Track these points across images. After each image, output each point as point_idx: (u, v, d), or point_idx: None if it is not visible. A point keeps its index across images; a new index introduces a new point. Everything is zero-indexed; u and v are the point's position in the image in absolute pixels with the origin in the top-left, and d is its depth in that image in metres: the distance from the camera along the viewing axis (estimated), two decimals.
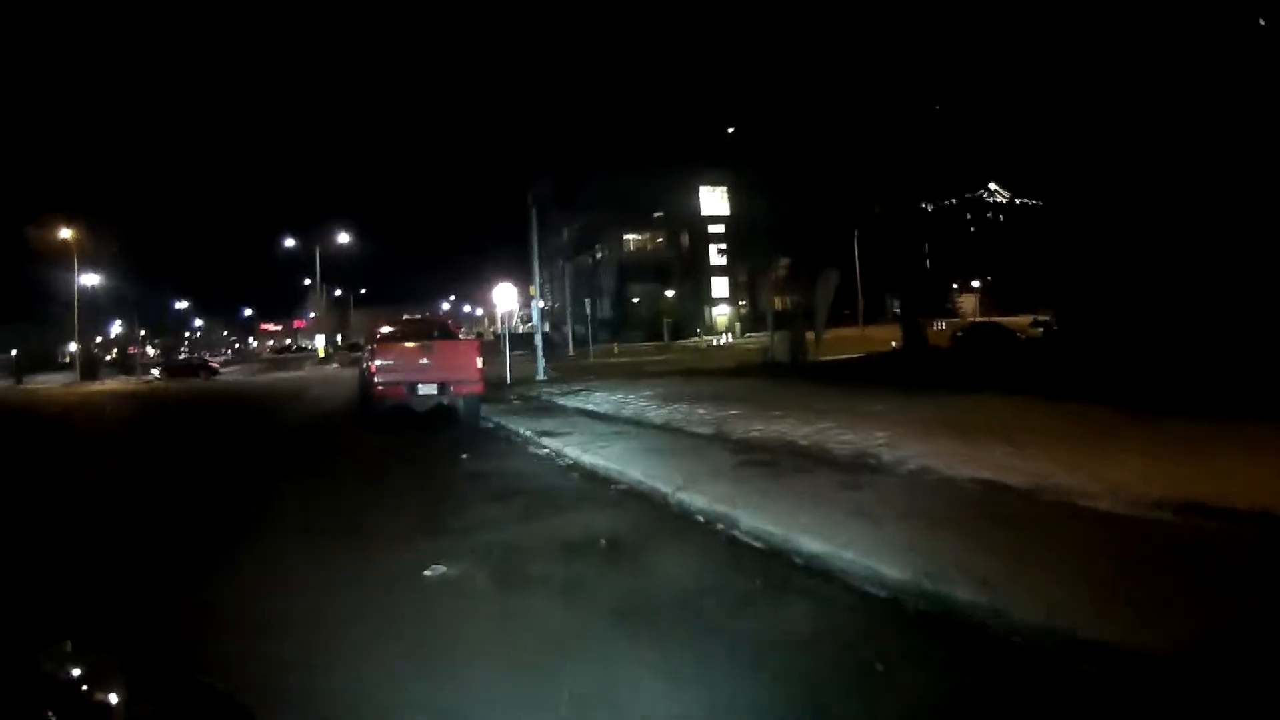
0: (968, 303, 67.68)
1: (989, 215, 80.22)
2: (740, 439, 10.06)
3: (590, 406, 15.42)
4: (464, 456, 10.39)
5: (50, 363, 50.29)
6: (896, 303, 72.90)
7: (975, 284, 74.93)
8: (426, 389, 13.98)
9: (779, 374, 20.62)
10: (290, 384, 34.21)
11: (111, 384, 42.72)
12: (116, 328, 68.18)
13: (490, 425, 14.16)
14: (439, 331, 16.47)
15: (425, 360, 14.05)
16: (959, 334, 32.00)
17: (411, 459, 10.58)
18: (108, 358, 63.31)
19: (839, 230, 34.37)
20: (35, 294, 52.77)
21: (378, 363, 14.01)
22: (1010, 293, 63.23)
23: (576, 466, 9.25)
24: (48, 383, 44.35)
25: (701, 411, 13.05)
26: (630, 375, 23.45)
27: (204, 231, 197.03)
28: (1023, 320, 39.50)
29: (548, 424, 12.81)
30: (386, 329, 16.53)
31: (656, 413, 13.46)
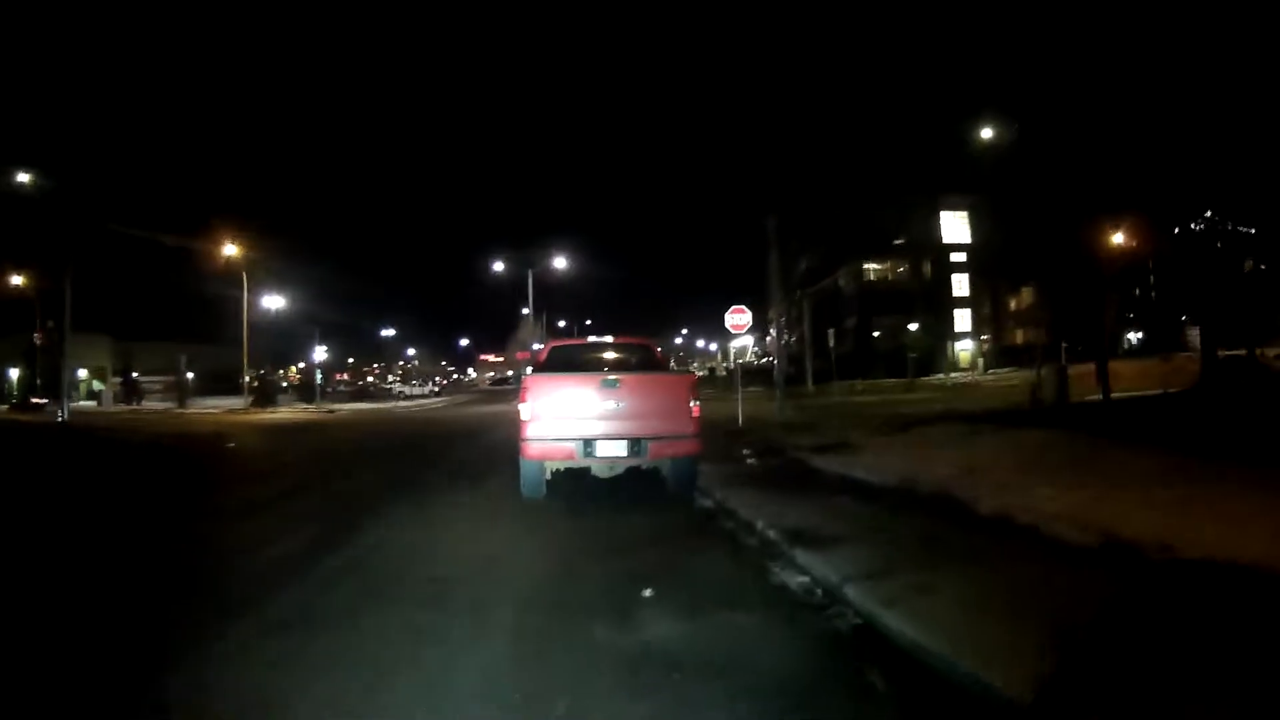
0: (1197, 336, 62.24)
1: (1213, 244, 74.97)
2: (1168, 562, 5.57)
3: (860, 474, 10.93)
4: (646, 593, 6.02)
5: (231, 386, 51.28)
6: (1130, 336, 70.60)
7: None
8: (610, 448, 9.88)
9: (1067, 421, 15.44)
10: (475, 419, 31.84)
11: (284, 411, 42.40)
12: (321, 353, 70.26)
13: (708, 505, 9.99)
14: (636, 359, 12.08)
15: (609, 403, 9.93)
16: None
17: (534, 591, 6.23)
18: (284, 384, 64.98)
19: (1084, 258, 33.09)
20: (224, 315, 54.22)
21: (530, 405, 9.92)
22: (1233, 325, 58.50)
23: (876, 649, 4.80)
24: (214, 407, 44.94)
25: (1047, 491, 8.35)
26: (890, 420, 18.89)
27: (425, 262, 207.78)
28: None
29: (800, 511, 8.40)
30: (550, 351, 12.47)
31: (969, 491, 8.83)
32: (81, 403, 48.44)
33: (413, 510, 9.98)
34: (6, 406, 48.21)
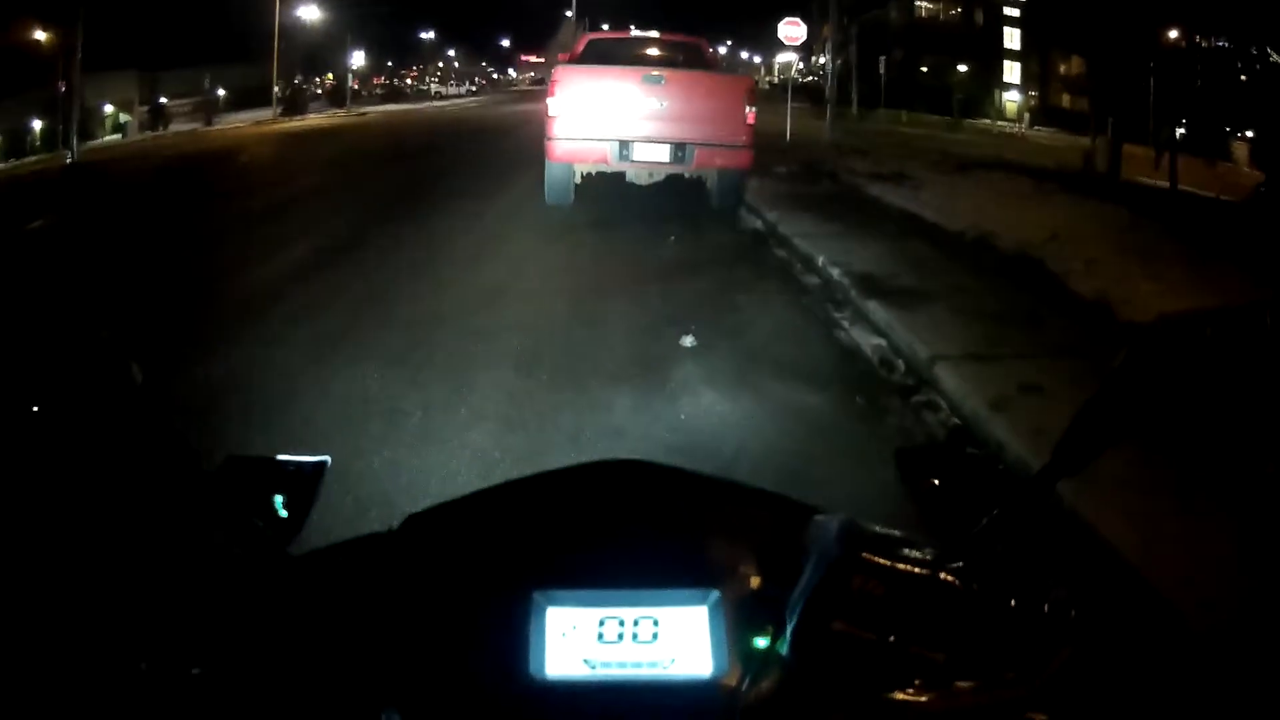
0: (1240, 151, 58.54)
1: (1257, 65, 69.27)
2: None
3: (930, 215, 9.18)
4: (686, 343, 4.72)
5: (263, 99, 49.01)
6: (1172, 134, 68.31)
7: (1249, 133, 64.37)
8: (649, 151, 8.38)
9: (1137, 202, 11.44)
10: (507, 118, 30.46)
11: (313, 118, 40.64)
12: (358, 60, 67.26)
13: (758, 226, 8.77)
14: (685, 58, 10.20)
15: (652, 102, 8.33)
16: (1260, 188, 26.14)
17: (544, 335, 4.89)
18: (318, 91, 62.39)
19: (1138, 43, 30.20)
20: (256, 31, 51.42)
21: (560, 100, 8.33)
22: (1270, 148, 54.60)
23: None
24: (241, 121, 43.08)
25: (1149, 286, 6.15)
26: (944, 157, 16.96)
27: None
28: None
29: (868, 251, 7.02)
30: (586, 43, 10.50)
31: (1059, 264, 6.79)
32: (107, 138, 46.11)
33: (419, 220, 8.42)
34: (34, 159, 46.19)
